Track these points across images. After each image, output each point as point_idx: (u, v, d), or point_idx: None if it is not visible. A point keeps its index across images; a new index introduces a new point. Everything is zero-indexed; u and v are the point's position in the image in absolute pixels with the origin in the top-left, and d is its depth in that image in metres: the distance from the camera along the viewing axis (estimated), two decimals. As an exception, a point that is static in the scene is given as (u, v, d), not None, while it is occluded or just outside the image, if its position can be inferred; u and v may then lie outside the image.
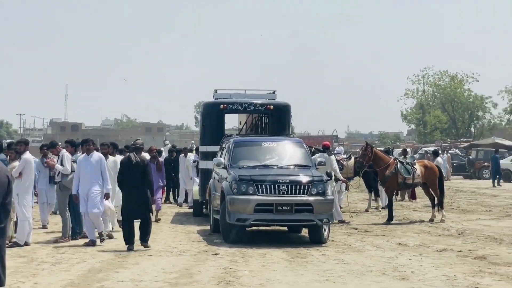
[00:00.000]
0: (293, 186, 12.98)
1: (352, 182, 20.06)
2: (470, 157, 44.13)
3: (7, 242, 11.61)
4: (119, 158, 14.75)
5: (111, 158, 14.35)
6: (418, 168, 17.53)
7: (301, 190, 12.99)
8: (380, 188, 20.01)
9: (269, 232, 15.06)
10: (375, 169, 17.93)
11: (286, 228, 14.87)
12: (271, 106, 17.28)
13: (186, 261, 11.00)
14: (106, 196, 13.05)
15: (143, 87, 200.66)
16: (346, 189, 19.25)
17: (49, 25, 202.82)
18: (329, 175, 14.22)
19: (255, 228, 14.22)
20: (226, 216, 13.00)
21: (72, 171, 13.25)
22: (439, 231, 15.36)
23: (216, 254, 11.61)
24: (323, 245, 12.95)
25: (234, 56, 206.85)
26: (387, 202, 18.37)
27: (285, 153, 14.61)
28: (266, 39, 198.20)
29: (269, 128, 17.67)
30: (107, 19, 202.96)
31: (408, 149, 31.75)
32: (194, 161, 20.78)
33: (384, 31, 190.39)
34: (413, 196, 23.36)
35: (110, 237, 13.45)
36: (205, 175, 17.00)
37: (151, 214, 12.68)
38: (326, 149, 17.14)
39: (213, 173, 15.23)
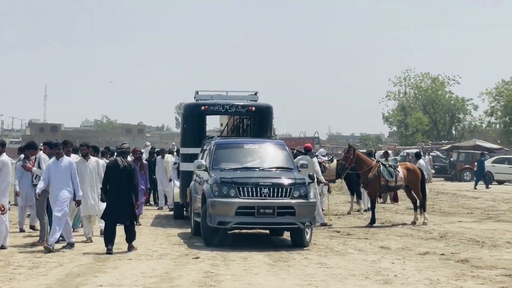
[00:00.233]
0: (275, 188, 12.85)
1: (334, 184, 19.97)
2: (452, 159, 44.33)
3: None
4: (101, 160, 14.51)
5: (92, 158, 14.07)
6: (401, 171, 17.48)
7: (283, 193, 12.87)
8: (362, 190, 19.96)
9: (251, 235, 14.94)
10: (358, 171, 17.86)
11: (268, 231, 14.76)
12: (253, 108, 17.16)
13: (166, 265, 10.85)
14: (78, 203, 12.78)
15: (123, 88, 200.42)
16: (328, 191, 19.16)
17: (28, 25, 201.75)
18: (311, 177, 14.12)
19: (236, 231, 14.08)
20: (207, 219, 12.85)
21: None
22: (422, 233, 15.33)
23: (197, 258, 11.47)
24: (305, 248, 12.85)
25: (216, 57, 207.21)
26: (369, 205, 18.29)
27: (267, 155, 14.48)
28: (248, 41, 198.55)
29: (250, 130, 17.56)
30: (86, 19, 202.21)
31: (389, 151, 31.73)
32: (174, 163, 20.62)
33: (365, 32, 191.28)
34: (395, 199, 23.37)
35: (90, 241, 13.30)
36: (186, 178, 16.85)
37: (135, 219, 12.54)
38: (308, 151, 17.06)
39: (194, 175, 15.08)
